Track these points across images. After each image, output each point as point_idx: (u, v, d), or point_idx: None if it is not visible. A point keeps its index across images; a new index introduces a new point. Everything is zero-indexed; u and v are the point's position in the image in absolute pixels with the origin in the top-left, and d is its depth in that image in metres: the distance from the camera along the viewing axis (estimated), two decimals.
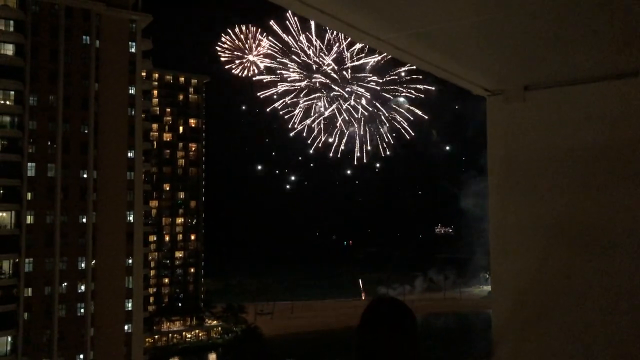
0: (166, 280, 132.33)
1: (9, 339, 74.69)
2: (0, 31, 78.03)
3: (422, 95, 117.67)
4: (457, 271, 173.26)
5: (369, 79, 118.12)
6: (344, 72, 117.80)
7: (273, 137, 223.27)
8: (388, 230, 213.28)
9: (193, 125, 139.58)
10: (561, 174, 3.57)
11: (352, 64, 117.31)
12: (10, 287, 75.27)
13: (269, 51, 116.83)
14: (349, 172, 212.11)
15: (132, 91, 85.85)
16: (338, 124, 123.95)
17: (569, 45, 3.09)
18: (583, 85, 3.50)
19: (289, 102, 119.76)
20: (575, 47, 3.11)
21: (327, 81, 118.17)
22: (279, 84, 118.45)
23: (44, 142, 79.10)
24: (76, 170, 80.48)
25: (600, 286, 3.41)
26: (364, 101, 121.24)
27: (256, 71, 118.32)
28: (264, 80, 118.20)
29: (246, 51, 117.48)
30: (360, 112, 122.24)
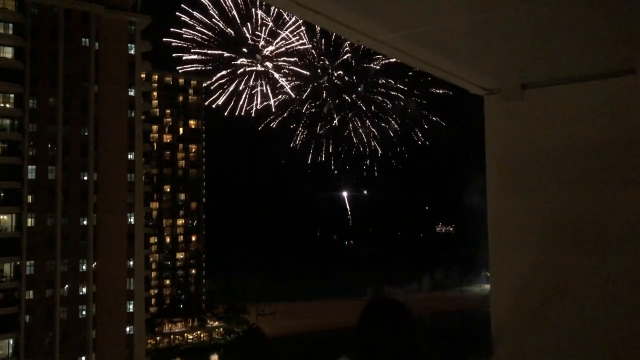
0: (167, 281, 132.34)
1: (11, 341, 74.69)
2: None
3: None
4: (458, 270, 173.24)
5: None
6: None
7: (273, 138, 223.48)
8: (389, 230, 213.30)
9: (193, 127, 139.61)
10: (559, 172, 3.57)
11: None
12: (12, 289, 75.26)
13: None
14: (348, 172, 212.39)
15: (131, 93, 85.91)
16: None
17: (566, 44, 3.08)
18: (580, 83, 3.50)
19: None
20: (572, 45, 3.11)
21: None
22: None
23: (44, 145, 79.12)
24: (76, 172, 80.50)
25: (598, 284, 3.41)
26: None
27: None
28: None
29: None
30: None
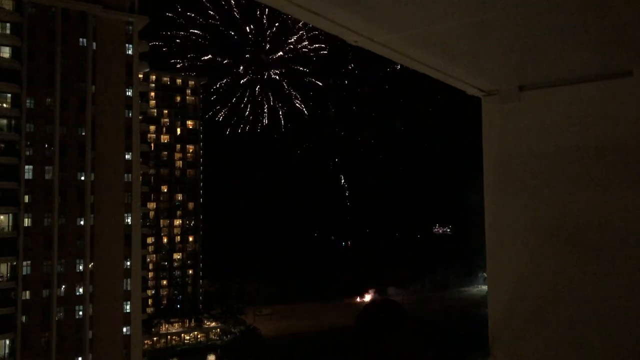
0: (164, 282, 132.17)
1: (7, 342, 74.53)
2: None
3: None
4: (455, 271, 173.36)
5: None
6: None
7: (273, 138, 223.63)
8: (386, 231, 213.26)
9: (190, 127, 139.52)
10: (556, 174, 3.58)
11: None
12: (8, 290, 75.08)
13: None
14: (347, 172, 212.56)
15: (129, 93, 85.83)
16: None
17: (564, 46, 3.09)
18: (577, 85, 3.50)
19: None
20: (569, 47, 3.11)
21: None
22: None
23: (41, 145, 78.96)
24: (74, 172, 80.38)
25: (595, 285, 3.42)
26: None
27: None
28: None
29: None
30: None
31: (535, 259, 3.61)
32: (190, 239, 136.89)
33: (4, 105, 78.60)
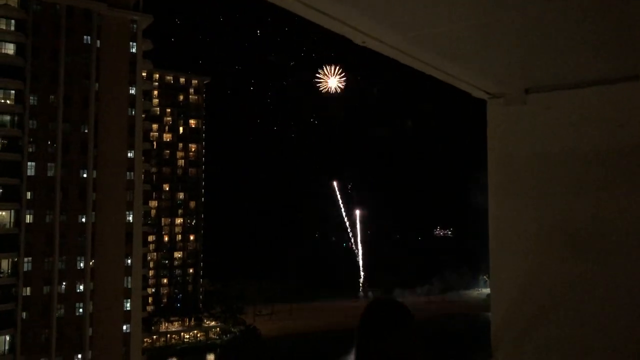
0: (165, 280, 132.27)
1: (8, 338, 74.65)
2: (1, 30, 78.09)
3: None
4: (456, 274, 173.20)
5: None
6: None
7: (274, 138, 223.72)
8: (387, 233, 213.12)
9: (193, 126, 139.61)
10: (561, 177, 3.57)
11: None
12: (9, 286, 75.22)
13: None
14: (349, 172, 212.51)
15: (132, 91, 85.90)
16: None
17: (570, 49, 3.08)
18: (584, 88, 3.50)
19: None
20: (576, 50, 3.11)
21: None
22: None
23: (44, 142, 79.08)
24: (76, 169, 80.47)
25: (599, 288, 3.42)
26: None
27: None
28: None
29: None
30: None
31: (539, 262, 3.61)
32: (191, 237, 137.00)
33: (8, 101, 78.78)
